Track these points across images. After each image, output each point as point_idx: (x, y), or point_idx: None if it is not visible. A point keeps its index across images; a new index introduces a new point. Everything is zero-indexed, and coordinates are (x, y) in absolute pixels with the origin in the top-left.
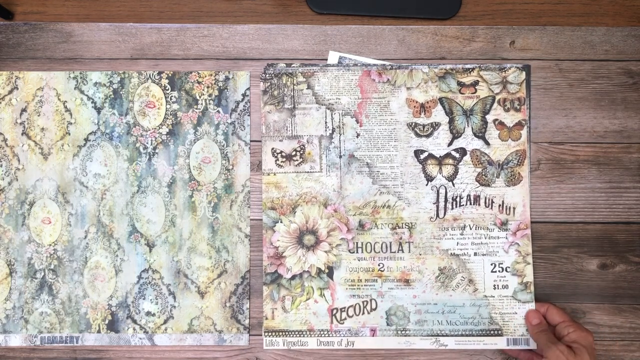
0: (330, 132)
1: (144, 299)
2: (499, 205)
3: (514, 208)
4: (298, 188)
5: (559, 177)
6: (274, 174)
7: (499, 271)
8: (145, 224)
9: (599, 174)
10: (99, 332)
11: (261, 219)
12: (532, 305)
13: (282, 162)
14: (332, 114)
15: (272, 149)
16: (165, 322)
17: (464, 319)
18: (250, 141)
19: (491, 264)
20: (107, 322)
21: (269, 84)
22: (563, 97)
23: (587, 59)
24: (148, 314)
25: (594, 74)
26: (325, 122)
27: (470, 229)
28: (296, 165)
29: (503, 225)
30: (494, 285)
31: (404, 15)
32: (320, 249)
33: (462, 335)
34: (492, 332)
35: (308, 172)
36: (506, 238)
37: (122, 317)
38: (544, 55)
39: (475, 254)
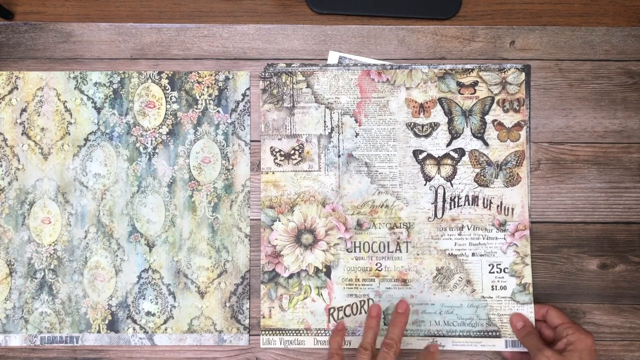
0: (329, 131)
1: (144, 299)
2: (498, 206)
3: (513, 209)
4: (296, 187)
5: (559, 177)
6: (273, 173)
7: (497, 272)
8: (145, 224)
9: (599, 174)
10: (99, 332)
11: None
12: (531, 307)
13: (280, 160)
14: (331, 113)
15: (271, 147)
16: (165, 322)
17: (462, 320)
18: (250, 141)
19: (489, 265)
20: (107, 322)
21: (268, 82)
22: (563, 97)
23: (587, 59)
24: (148, 314)
25: (594, 74)
26: (324, 121)
27: (469, 229)
28: (295, 164)
29: (501, 226)
30: (492, 286)
31: (404, 15)
32: (318, 247)
33: (459, 336)
34: (490, 333)
35: (307, 171)
36: (504, 239)
37: (122, 317)
38: (544, 55)
39: (473, 254)
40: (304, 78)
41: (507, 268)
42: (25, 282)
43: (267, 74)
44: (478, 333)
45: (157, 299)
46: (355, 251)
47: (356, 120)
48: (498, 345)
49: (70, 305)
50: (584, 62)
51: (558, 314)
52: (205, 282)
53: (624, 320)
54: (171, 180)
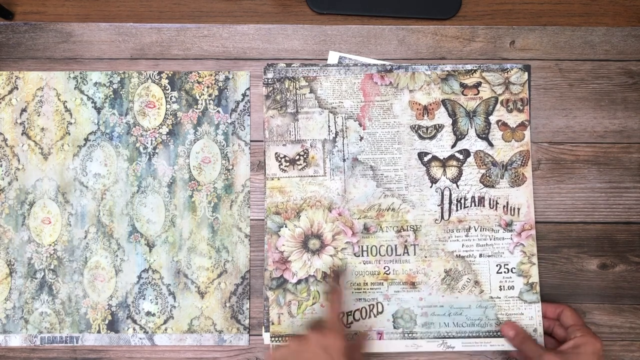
0: (334, 135)
1: (144, 299)
2: (504, 206)
3: (519, 209)
4: (302, 192)
5: (559, 177)
6: (278, 179)
7: (505, 272)
8: (145, 224)
9: (599, 174)
10: (99, 332)
11: (261, 219)
12: (538, 306)
13: (285, 166)
14: (335, 118)
15: (276, 153)
16: (165, 322)
17: (471, 321)
18: (250, 141)
19: (497, 265)
20: (107, 322)
21: (271, 88)
22: (563, 97)
23: (587, 59)
24: (148, 314)
25: (594, 74)
26: (329, 126)
27: (475, 230)
28: (300, 170)
29: (508, 226)
30: (500, 287)
31: (404, 15)
32: (325, 253)
33: (469, 337)
34: (499, 333)
35: (312, 176)
36: (511, 239)
37: (122, 317)
38: (544, 55)
39: (480, 255)
40: (307, 83)
41: (514, 268)
42: (25, 282)
43: (270, 80)
44: (487, 333)
45: (157, 299)
46: (362, 255)
47: (360, 124)
48: (507, 344)
49: (70, 305)
50: (584, 62)
51: (572, 315)
52: (205, 282)
53: (624, 320)
54: (171, 180)
